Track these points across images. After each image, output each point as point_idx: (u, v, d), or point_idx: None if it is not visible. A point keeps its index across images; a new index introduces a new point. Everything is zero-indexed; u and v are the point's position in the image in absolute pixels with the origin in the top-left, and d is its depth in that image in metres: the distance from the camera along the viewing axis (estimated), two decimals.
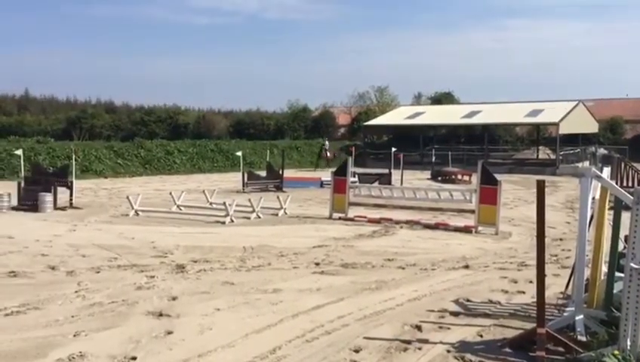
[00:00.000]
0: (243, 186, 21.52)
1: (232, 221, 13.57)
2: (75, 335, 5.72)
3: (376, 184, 20.30)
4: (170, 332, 5.85)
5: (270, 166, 24.60)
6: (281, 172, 22.73)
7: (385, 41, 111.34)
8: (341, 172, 15.11)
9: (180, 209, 15.35)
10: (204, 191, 17.17)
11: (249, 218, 14.11)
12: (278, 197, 15.61)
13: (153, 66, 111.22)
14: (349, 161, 15.57)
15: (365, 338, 5.72)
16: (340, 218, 14.37)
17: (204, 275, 8.37)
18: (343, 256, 9.90)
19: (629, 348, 4.70)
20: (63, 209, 15.65)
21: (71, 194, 16.46)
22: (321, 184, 22.87)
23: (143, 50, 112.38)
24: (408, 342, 5.60)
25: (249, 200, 14.66)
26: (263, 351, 5.33)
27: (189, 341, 5.62)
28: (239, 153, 24.69)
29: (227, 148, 36.85)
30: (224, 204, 13.89)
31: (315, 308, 6.72)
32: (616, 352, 4.65)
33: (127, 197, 15.35)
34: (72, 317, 6.32)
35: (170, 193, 16.19)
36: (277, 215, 14.87)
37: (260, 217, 14.26)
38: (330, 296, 7.28)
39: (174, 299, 7.09)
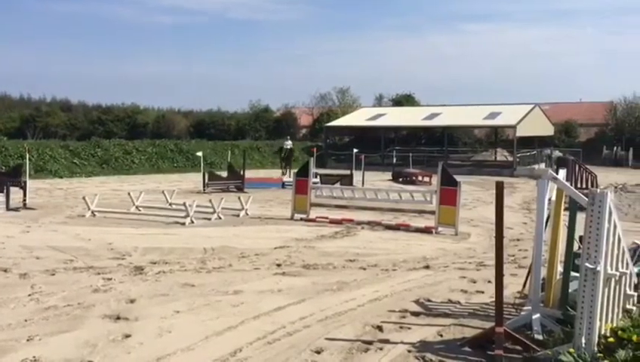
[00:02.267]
0: (203, 187, 21.29)
1: (193, 222, 13.40)
2: (28, 340, 5.54)
3: (337, 185, 20.35)
4: (127, 336, 5.72)
5: (231, 166, 24.40)
6: (242, 172, 22.58)
7: (347, 43, 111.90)
8: (303, 173, 15.09)
9: (139, 210, 15.08)
10: (163, 192, 16.91)
11: (210, 219, 13.96)
12: (239, 198, 15.48)
13: (111, 65, 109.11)
14: (310, 162, 15.56)
15: (327, 339, 5.71)
16: (301, 219, 14.35)
17: (163, 277, 8.22)
18: (305, 256, 9.87)
19: (584, 345, 4.81)
20: (15, 210, 15.18)
21: (24, 195, 15.98)
22: (283, 185, 22.81)
23: (102, 49, 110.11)
24: (369, 343, 5.61)
25: (210, 200, 14.50)
26: (223, 353, 5.26)
27: (147, 344, 5.51)
28: (200, 153, 24.44)
29: (187, 148, 36.44)
30: (184, 204, 13.71)
31: (277, 310, 6.68)
32: (571, 350, 4.75)
33: (84, 198, 14.99)
34: (26, 321, 6.12)
35: (129, 193, 15.89)
36: (238, 216, 14.75)
37: (220, 218, 14.12)
38: (291, 297, 7.25)
39: (132, 301, 6.94)
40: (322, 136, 46.85)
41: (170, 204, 15.81)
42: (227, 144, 38.76)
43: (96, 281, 7.88)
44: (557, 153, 38.39)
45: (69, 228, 12.58)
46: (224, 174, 23.50)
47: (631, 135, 45.16)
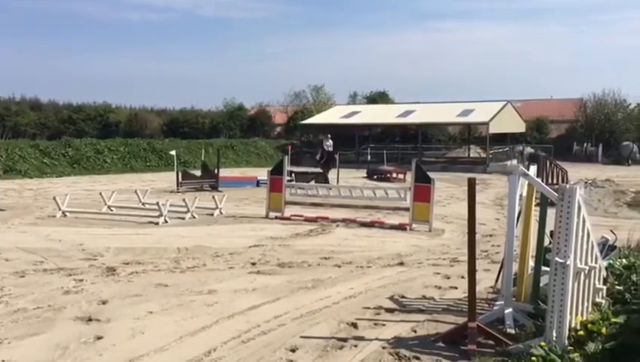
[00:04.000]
0: (177, 186, 21.10)
1: (166, 221, 13.28)
2: None
3: (312, 183, 20.34)
4: (99, 338, 5.64)
5: (205, 165, 24.23)
6: (216, 171, 22.44)
7: (321, 40, 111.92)
8: (277, 171, 15.05)
9: (111, 210, 14.88)
10: (136, 191, 16.70)
11: (183, 218, 13.84)
12: (213, 197, 15.38)
13: (82, 63, 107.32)
14: (285, 160, 15.53)
15: (302, 337, 5.70)
16: (276, 217, 14.31)
17: (136, 277, 8.13)
18: (280, 255, 9.85)
19: (554, 339, 4.88)
20: None
21: None
22: (258, 183, 22.72)
23: (71, 46, 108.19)
24: (344, 340, 5.62)
25: (183, 200, 14.38)
26: (197, 353, 5.22)
27: (119, 346, 5.44)
28: (173, 152, 24.19)
29: (160, 147, 36.07)
30: (157, 204, 13.57)
31: (251, 309, 6.65)
32: (543, 344, 4.81)
33: (54, 198, 14.73)
34: None
35: (100, 193, 15.66)
36: (212, 215, 14.65)
37: (194, 217, 14.01)
38: (266, 295, 7.22)
39: (104, 302, 6.85)
40: (297, 134, 46.83)
41: (143, 204, 15.63)
42: (201, 142, 38.48)
43: (67, 283, 7.76)
44: (528, 149, 38.90)
45: (39, 229, 12.36)
46: (198, 173, 23.33)
47: (600, 131, 45.99)
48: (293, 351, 5.34)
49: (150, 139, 39.63)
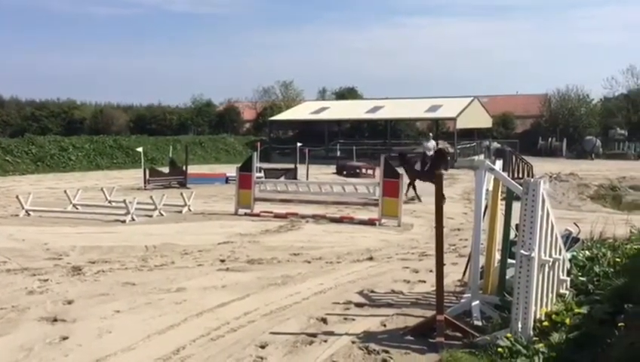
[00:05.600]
0: (144, 183, 20.84)
1: (133, 219, 13.10)
2: None
3: (282, 179, 20.31)
4: (65, 338, 5.53)
5: (173, 162, 23.98)
6: (184, 168, 22.23)
7: (290, 36, 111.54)
8: (246, 167, 14.98)
9: (76, 208, 14.61)
10: (102, 189, 16.43)
11: (151, 216, 13.67)
12: (181, 194, 15.23)
13: (45, 58, 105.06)
14: (254, 157, 15.46)
15: (271, 333, 5.69)
16: (245, 214, 14.25)
17: (102, 276, 8.00)
18: (249, 251, 9.81)
19: (520, 330, 4.97)
20: None
21: None
22: (226, 180, 22.60)
23: (33, 41, 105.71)
24: (314, 335, 5.63)
25: (151, 197, 14.21)
26: (165, 352, 5.17)
27: (86, 346, 5.35)
28: (140, 149, 23.86)
29: (127, 143, 35.58)
30: (124, 201, 13.37)
31: (221, 306, 6.61)
32: (508, 335, 4.90)
33: (17, 197, 14.39)
34: None
35: (65, 191, 15.35)
36: (181, 212, 14.51)
37: (162, 215, 13.86)
38: (235, 292, 7.19)
39: (70, 302, 6.72)
40: (266, 130, 46.69)
41: (109, 202, 15.39)
42: (169, 139, 38.10)
43: (32, 283, 7.59)
44: (495, 144, 39.51)
45: (1, 229, 12.05)
46: (166, 170, 23.08)
47: (564, 126, 46.96)
48: (262, 347, 5.33)
49: (116, 136, 39.06)
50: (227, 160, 37.91)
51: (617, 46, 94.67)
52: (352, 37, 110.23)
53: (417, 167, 18.57)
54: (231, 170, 20.00)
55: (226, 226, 12.58)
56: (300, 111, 45.61)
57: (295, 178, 22.19)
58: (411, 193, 17.53)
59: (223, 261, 9.05)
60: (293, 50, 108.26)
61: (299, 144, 26.43)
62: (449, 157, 19.11)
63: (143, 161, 23.49)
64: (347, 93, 55.45)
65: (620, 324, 3.97)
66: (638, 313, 3.74)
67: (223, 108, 56.02)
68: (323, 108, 44.87)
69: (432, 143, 20.05)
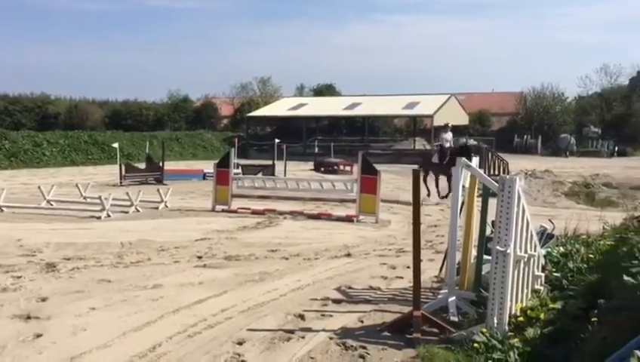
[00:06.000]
0: (120, 179, 20.61)
1: (109, 216, 12.95)
2: None
3: (259, 175, 20.26)
4: (39, 336, 5.45)
5: (150, 158, 23.76)
6: (161, 164, 22.03)
7: (268, 32, 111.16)
8: (224, 164, 14.90)
9: (51, 204, 14.40)
10: (77, 185, 16.22)
11: (127, 212, 13.53)
12: (158, 190, 15.10)
13: (18, 52, 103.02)
14: (231, 153, 15.39)
15: (249, 330, 5.67)
16: (223, 210, 14.18)
17: (77, 273, 7.89)
18: (226, 248, 9.77)
19: (495, 325, 5.02)
20: None
21: None
22: (204, 176, 22.46)
23: (9, 36, 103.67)
24: (291, 332, 5.62)
25: (127, 193, 14.06)
26: (141, 349, 5.12)
27: (60, 343, 5.27)
28: (116, 144, 23.63)
29: (103, 139, 35.14)
30: (100, 197, 13.21)
31: (198, 302, 6.57)
32: (484, 330, 4.95)
33: None
34: None
35: (39, 187, 15.12)
36: (157, 208, 14.39)
37: (138, 211, 13.72)
38: (213, 289, 7.15)
39: (44, 300, 6.62)
40: (244, 126, 46.49)
41: (84, 198, 15.21)
42: (145, 135, 37.70)
43: (4, 280, 7.45)
44: (471, 142, 39.81)
45: None
46: (142, 166, 22.86)
47: (539, 124, 47.55)
48: (240, 344, 5.31)
49: (92, 132, 38.57)
50: (204, 156, 37.66)
51: (591, 45, 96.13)
52: (331, 34, 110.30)
53: (435, 159, 17.51)
54: (208, 167, 19.90)
55: (203, 223, 12.50)
56: (278, 108, 45.51)
57: (273, 174, 22.15)
58: (444, 190, 16.23)
59: (200, 257, 9.00)
60: (271, 46, 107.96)
61: (276, 140, 26.37)
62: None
63: (118, 156, 23.22)
64: (325, 90, 55.47)
65: (593, 319, 4.03)
66: (610, 308, 3.80)
67: (201, 104, 55.65)
68: (301, 105, 44.83)
69: (449, 135, 18.62)
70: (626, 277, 3.43)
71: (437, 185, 17.24)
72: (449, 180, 15.38)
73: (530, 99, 50.03)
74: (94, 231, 11.26)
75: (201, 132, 44.71)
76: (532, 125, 47.40)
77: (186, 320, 5.92)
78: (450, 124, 18.91)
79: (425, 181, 16.51)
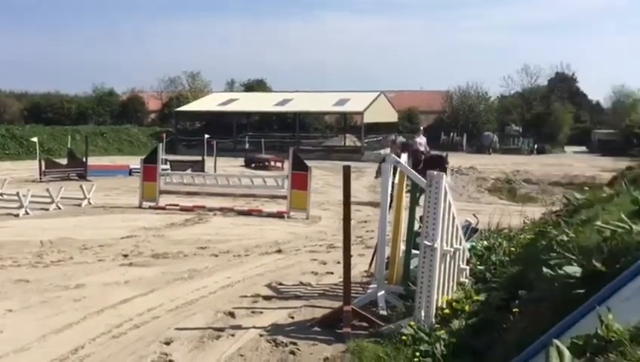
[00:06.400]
0: (40, 175, 19.69)
1: (27, 213, 12.35)
2: None
3: (189, 171, 19.89)
4: None
5: (72, 153, 22.84)
6: (84, 159, 21.23)
7: (197, 26, 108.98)
8: (151, 159, 14.52)
9: None
10: None
11: (47, 209, 12.95)
12: (81, 187, 14.54)
13: None
14: (159, 148, 15.02)
15: (177, 329, 5.55)
16: (150, 207, 13.81)
17: None
18: (154, 246, 9.52)
19: (423, 318, 5.13)
20: None
21: None
22: (130, 172, 21.80)
23: None
24: (221, 330, 5.55)
25: (47, 190, 13.46)
26: (63, 351, 4.90)
27: None
28: (35, 139, 22.53)
29: (21, 133, 33.47)
30: (17, 194, 12.58)
31: (123, 302, 6.37)
32: (412, 323, 5.04)
33: None
34: None
35: None
36: (80, 205, 13.84)
37: (60, 208, 13.16)
38: (139, 288, 6.95)
39: None
40: (172, 121, 45.47)
41: (0, 195, 14.43)
42: (67, 129, 36.16)
43: None
44: (401, 139, 40.61)
45: None
46: (64, 161, 21.94)
47: (465, 122, 49.03)
48: (167, 343, 5.18)
49: (9, 125, 36.63)
50: (131, 151, 36.57)
51: (514, 46, 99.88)
52: (262, 29, 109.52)
53: (408, 165, 16.00)
54: (135, 162, 19.28)
55: (130, 220, 12.14)
56: (208, 103, 44.76)
57: (202, 170, 21.79)
58: None
59: (125, 256, 8.73)
60: (200, 40, 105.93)
61: (206, 136, 25.97)
62: (447, 164, 16.55)
63: (38, 151, 22.19)
64: (256, 85, 54.95)
65: (514, 310, 4.16)
66: (530, 299, 3.95)
67: (127, 98, 53.92)
68: (231, 100, 44.29)
69: (423, 139, 17.86)
70: (545, 269, 3.56)
71: None
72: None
73: (456, 98, 51.47)
74: (12, 230, 10.72)
75: (127, 127, 43.35)
76: (458, 123, 48.80)
77: (110, 321, 5.73)
78: (422, 128, 18.83)
79: None
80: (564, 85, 54.74)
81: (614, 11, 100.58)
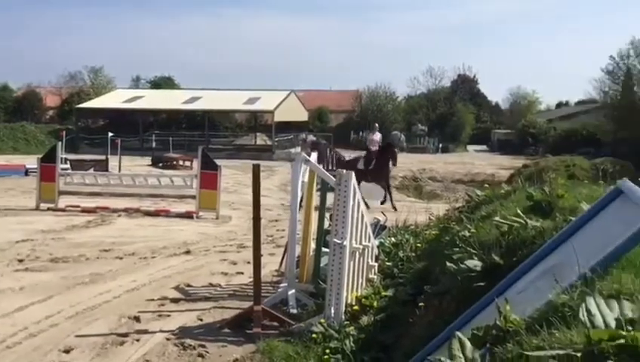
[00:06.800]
0: None
1: None
2: None
3: (91, 171, 19.06)
4: None
5: None
6: None
7: (100, 19, 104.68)
8: (50, 158, 13.76)
9: None
10: None
11: None
12: None
13: None
14: (58, 147, 14.26)
15: (77, 336, 5.28)
16: (48, 208, 13.09)
17: None
18: (53, 249, 9.01)
19: (332, 315, 5.17)
20: None
21: None
22: (26, 172, 20.59)
23: None
24: (125, 335, 5.33)
25: None
26: None
27: None
28: None
29: None
30: None
31: (18, 310, 5.97)
32: (322, 321, 5.07)
33: None
34: None
35: None
36: None
37: None
38: (36, 294, 6.54)
39: None
40: (73, 118, 43.39)
41: None
42: None
43: None
44: (311, 137, 40.95)
45: None
46: None
47: (374, 121, 50.11)
48: (67, 352, 4.92)
49: None
50: (27, 150, 34.57)
51: (420, 48, 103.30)
52: (167, 24, 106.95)
53: (361, 165, 15.70)
54: (31, 162, 18.16)
55: (25, 223, 11.43)
56: (112, 100, 43.09)
57: (106, 170, 20.96)
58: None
59: (21, 261, 8.21)
60: (103, 34, 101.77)
61: (110, 134, 25.00)
62: (398, 152, 16.11)
63: None
64: (163, 83, 53.54)
65: (420, 304, 4.28)
66: (435, 293, 4.07)
67: (22, 94, 50.90)
68: (137, 97, 42.89)
69: (378, 136, 16.81)
70: (448, 264, 3.68)
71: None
72: (383, 185, 15.50)
73: (365, 98, 52.53)
74: None
75: (22, 124, 40.94)
76: (367, 122, 49.81)
77: (3, 330, 5.36)
78: (377, 125, 17.82)
79: None
80: (465, 86, 57.26)
81: (529, 17, 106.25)
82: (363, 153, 16.92)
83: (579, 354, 1.61)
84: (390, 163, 15.29)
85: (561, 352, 1.66)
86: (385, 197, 15.05)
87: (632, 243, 2.40)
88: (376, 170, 15.30)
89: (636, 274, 2.25)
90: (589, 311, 1.73)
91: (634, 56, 34.77)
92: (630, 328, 1.62)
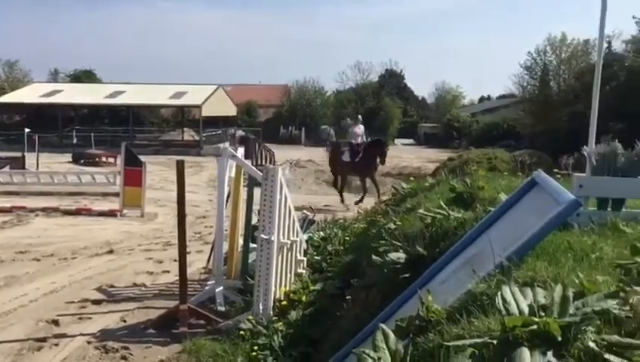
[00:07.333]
0: None
1: None
2: None
3: (6, 169, 18.12)
4: None
5: None
6: None
7: (15, 11, 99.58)
8: None
9: None
10: None
11: None
12: None
13: None
14: None
15: None
16: None
17: None
18: None
19: (261, 311, 5.13)
20: None
21: None
22: None
23: None
24: (43, 340, 5.09)
25: None
26: None
27: None
28: None
29: None
30: None
31: None
32: (250, 317, 5.02)
33: None
34: None
35: None
36: None
37: None
38: None
39: None
40: None
41: None
42: None
43: None
44: (240, 132, 40.57)
45: None
46: None
47: (303, 116, 50.25)
48: None
49: None
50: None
51: (348, 44, 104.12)
52: (89, 16, 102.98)
53: (346, 157, 15.35)
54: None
55: None
56: (28, 94, 41.04)
57: (23, 168, 19.94)
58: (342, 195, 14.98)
59: None
60: (19, 26, 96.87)
61: (27, 130, 23.81)
62: (387, 148, 15.80)
63: None
64: (84, 76, 51.50)
65: (347, 297, 4.31)
66: (361, 286, 4.10)
67: None
68: (56, 91, 41.06)
69: (360, 128, 16.08)
70: (374, 257, 3.71)
71: (342, 189, 15.37)
72: (363, 180, 15.12)
73: (294, 92, 52.54)
74: None
75: None
76: (296, 117, 49.87)
77: None
78: (360, 117, 17.29)
79: (335, 185, 15.75)
80: (392, 81, 58.32)
81: (455, 14, 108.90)
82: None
83: (495, 342, 1.64)
84: (377, 159, 14.99)
85: (478, 340, 1.69)
86: (363, 194, 14.74)
87: (545, 232, 2.49)
88: (362, 163, 14.98)
89: (549, 261, 2.34)
90: (504, 299, 1.77)
91: (550, 53, 36.34)
92: (542, 314, 1.67)
